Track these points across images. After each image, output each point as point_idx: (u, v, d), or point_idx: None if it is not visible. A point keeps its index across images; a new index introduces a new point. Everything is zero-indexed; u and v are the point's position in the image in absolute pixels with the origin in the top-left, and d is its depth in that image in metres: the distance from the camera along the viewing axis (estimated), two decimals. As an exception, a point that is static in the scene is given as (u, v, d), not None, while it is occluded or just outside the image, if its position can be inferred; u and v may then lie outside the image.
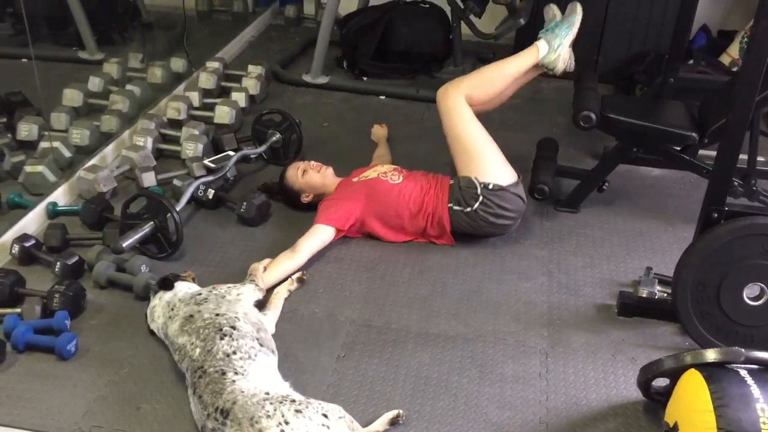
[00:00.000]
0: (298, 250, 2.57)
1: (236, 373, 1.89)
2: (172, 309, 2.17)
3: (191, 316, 2.10)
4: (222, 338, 1.99)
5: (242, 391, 1.83)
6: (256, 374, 1.92)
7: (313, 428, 1.75)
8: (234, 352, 1.95)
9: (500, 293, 2.57)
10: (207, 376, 1.90)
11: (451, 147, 2.80)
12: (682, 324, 2.32)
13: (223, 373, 1.89)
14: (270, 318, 2.33)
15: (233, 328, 2.03)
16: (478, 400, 2.13)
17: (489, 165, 2.72)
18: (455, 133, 2.78)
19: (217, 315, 2.08)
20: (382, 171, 2.85)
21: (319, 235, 2.65)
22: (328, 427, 1.77)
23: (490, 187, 2.67)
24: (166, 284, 2.26)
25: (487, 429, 2.03)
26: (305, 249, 2.59)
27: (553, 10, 2.90)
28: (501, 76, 2.86)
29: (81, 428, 1.98)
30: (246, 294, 2.27)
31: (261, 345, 2.04)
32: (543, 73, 2.92)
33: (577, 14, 2.81)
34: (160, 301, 2.23)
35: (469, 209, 2.68)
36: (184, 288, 2.26)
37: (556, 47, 2.80)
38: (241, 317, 2.11)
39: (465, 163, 2.75)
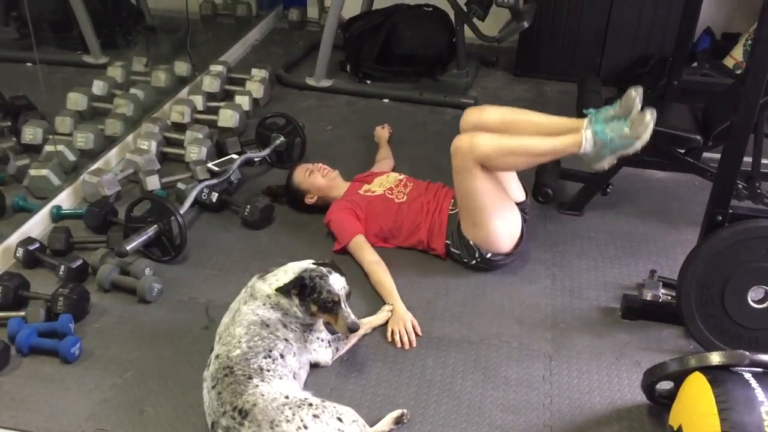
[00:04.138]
0: (376, 260, 2.60)
1: (262, 380, 1.90)
2: (269, 298, 2.11)
3: (267, 325, 2.06)
4: (265, 357, 1.98)
5: (262, 395, 1.85)
6: (279, 384, 1.93)
7: None
8: (268, 370, 1.95)
9: (504, 296, 2.56)
10: (232, 376, 1.90)
11: (457, 197, 2.61)
12: (687, 327, 2.31)
13: (249, 377, 1.90)
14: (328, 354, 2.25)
15: (282, 357, 2.02)
16: (481, 403, 2.12)
17: (492, 236, 2.57)
18: (462, 191, 2.55)
19: (285, 340, 2.06)
20: (388, 187, 2.82)
21: (363, 244, 2.66)
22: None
23: (488, 256, 2.62)
24: (286, 290, 2.12)
25: (490, 432, 2.03)
26: (375, 257, 2.62)
27: (634, 99, 2.33)
28: (527, 156, 2.50)
29: (85, 431, 1.99)
30: (320, 352, 2.21)
31: (294, 378, 2.04)
32: (549, 77, 2.83)
33: (644, 130, 2.29)
34: (277, 283, 2.13)
35: (465, 260, 2.65)
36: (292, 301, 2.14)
37: (600, 156, 2.37)
38: (296, 356, 2.08)
39: (468, 224, 2.59)
